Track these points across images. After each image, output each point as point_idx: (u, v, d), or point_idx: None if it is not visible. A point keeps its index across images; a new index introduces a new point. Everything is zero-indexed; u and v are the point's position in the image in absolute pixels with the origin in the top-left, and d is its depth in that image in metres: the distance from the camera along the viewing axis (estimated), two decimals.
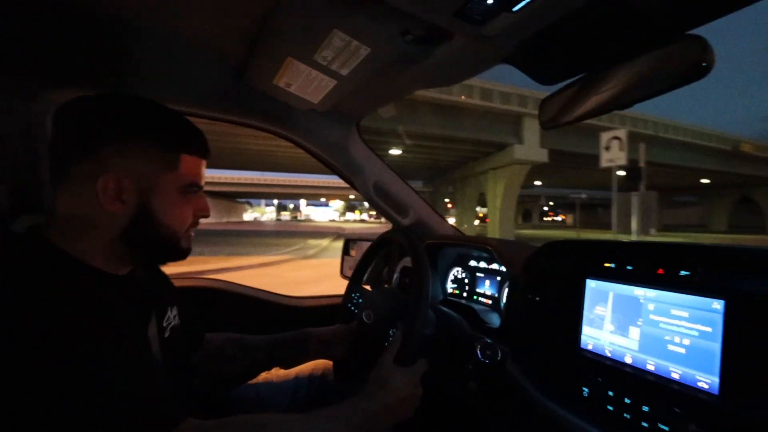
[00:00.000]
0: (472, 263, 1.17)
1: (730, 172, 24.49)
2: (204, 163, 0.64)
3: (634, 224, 6.89)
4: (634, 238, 6.78)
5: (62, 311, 0.46)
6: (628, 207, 7.09)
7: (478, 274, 1.14)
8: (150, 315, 0.65)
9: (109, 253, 0.58)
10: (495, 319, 1.00)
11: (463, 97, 14.42)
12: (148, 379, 0.51)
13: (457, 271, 1.22)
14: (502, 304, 1.02)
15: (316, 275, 7.54)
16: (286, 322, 1.17)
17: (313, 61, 0.82)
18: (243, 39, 0.82)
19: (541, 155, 16.61)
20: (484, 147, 17.16)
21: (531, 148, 16.36)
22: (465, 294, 1.17)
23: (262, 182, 48.49)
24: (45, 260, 0.52)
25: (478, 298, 1.12)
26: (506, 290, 0.99)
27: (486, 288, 1.10)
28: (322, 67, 0.83)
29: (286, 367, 0.97)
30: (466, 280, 1.18)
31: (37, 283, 0.47)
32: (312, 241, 16.44)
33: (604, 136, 7.63)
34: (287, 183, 51.30)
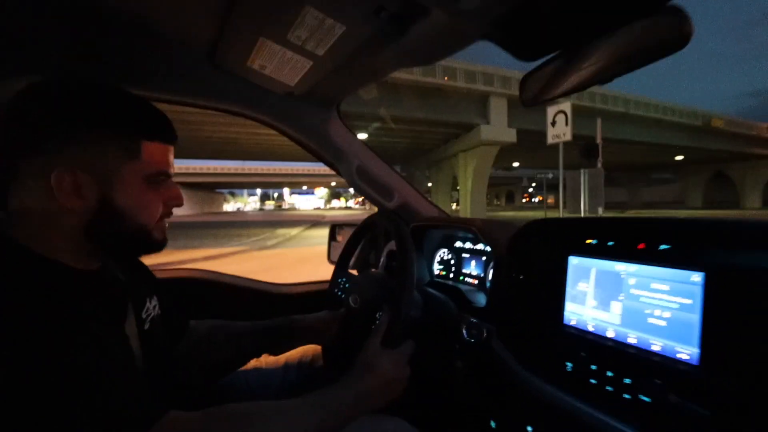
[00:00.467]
0: (458, 244, 1.17)
1: (702, 148, 25.12)
2: (171, 149, 0.60)
3: (582, 203, 6.81)
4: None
5: (22, 309, 0.44)
6: (577, 185, 6.89)
7: (464, 255, 1.15)
8: (126, 309, 0.62)
9: (74, 249, 0.55)
10: (481, 299, 1.01)
11: (446, 78, 14.25)
12: (122, 375, 0.49)
13: (444, 253, 1.22)
14: (488, 284, 1.03)
15: (260, 267, 7.27)
16: (273, 309, 1.16)
17: (287, 41, 0.79)
18: (212, 19, 0.78)
19: (510, 135, 16.36)
20: (452, 128, 16.92)
21: (498, 128, 16.13)
22: (451, 275, 1.18)
23: (241, 172, 47.60)
24: (3, 256, 0.49)
25: (464, 279, 1.13)
26: (491, 270, 1.00)
27: (472, 268, 1.11)
28: (297, 47, 0.80)
29: (275, 353, 0.97)
30: (453, 262, 1.18)
31: None
32: (281, 231, 15.84)
33: (550, 111, 7.37)
34: (267, 172, 50.51)
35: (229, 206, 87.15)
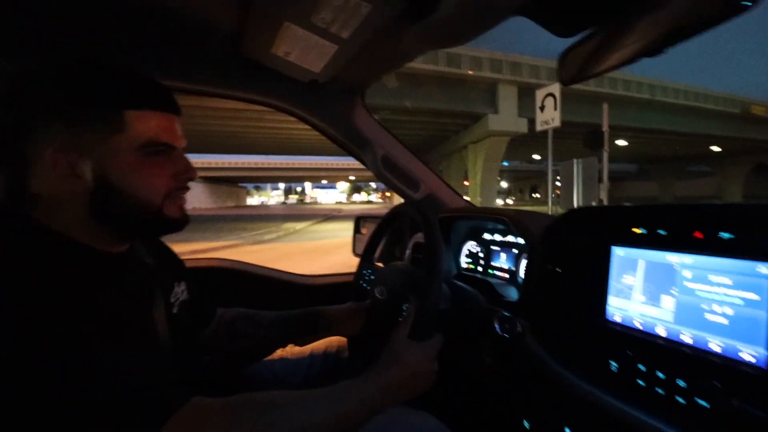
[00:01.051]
0: (487, 236, 1.13)
1: (740, 138, 23.68)
2: (170, 117, 0.57)
3: (576, 196, 6.29)
4: None
5: (38, 285, 0.43)
6: (570, 177, 6.27)
7: (493, 248, 1.10)
8: (154, 293, 0.62)
9: (91, 231, 0.54)
10: (512, 293, 0.97)
11: (469, 72, 13.75)
12: (146, 359, 0.48)
13: (472, 245, 1.18)
14: (519, 278, 0.98)
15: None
16: (298, 300, 1.15)
17: (312, 25, 0.76)
18: (236, 4, 0.76)
19: (520, 125, 15.31)
20: (460, 119, 16.12)
21: (507, 118, 15.21)
22: (480, 268, 1.14)
23: (263, 166, 48.08)
24: (19, 233, 0.50)
25: (494, 272, 1.09)
26: (524, 262, 0.95)
27: (502, 261, 1.06)
28: (322, 30, 0.78)
29: (300, 344, 0.96)
30: (481, 254, 1.14)
31: (9, 257, 0.45)
32: (288, 224, 15.35)
33: (539, 95, 6.77)
34: (288, 166, 50.88)
35: (253, 200, 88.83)
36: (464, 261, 1.20)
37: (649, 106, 18.26)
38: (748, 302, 0.52)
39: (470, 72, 13.89)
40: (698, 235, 0.58)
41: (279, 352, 1.00)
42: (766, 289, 0.50)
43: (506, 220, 0.94)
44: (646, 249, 0.65)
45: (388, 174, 1.21)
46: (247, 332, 0.88)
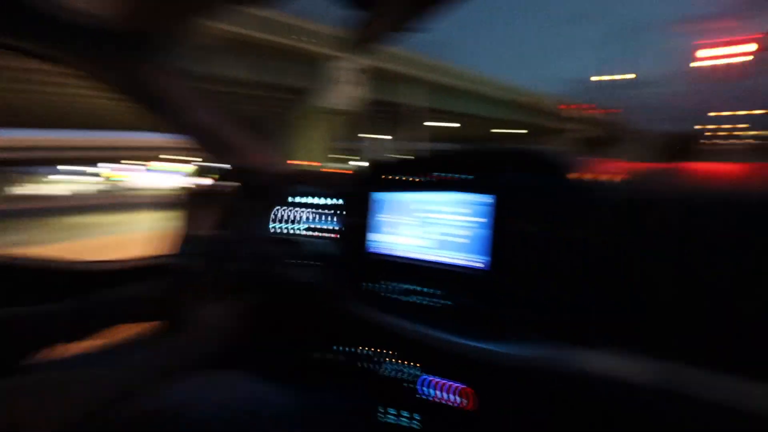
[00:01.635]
0: (304, 200, 1.19)
1: (513, 121, 29.51)
2: None
3: None
4: None
5: None
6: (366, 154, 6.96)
7: (308, 209, 1.17)
8: None
9: None
10: (322, 248, 1.07)
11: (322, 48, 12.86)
12: None
13: (287, 208, 1.22)
14: (328, 232, 1.09)
15: None
16: (93, 288, 1.01)
17: None
18: None
19: (353, 104, 14.03)
20: (290, 93, 14.81)
21: (339, 95, 13.58)
22: (295, 229, 1.20)
23: (39, 145, 36.69)
24: None
25: (306, 231, 1.16)
26: (331, 219, 1.07)
27: (315, 221, 1.14)
28: None
29: (97, 334, 0.85)
30: (298, 216, 1.19)
31: None
32: (78, 219, 11.97)
33: (336, 69, 6.98)
34: (79, 145, 40.36)
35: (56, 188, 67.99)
36: (279, 224, 1.24)
37: (416, 83, 19.95)
38: (480, 225, 0.72)
39: (312, 47, 13.17)
40: (443, 178, 0.80)
41: (87, 344, 0.87)
42: (490, 214, 0.70)
43: (314, 180, 1.04)
44: (399, 191, 0.85)
45: (201, 141, 1.14)
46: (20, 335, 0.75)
